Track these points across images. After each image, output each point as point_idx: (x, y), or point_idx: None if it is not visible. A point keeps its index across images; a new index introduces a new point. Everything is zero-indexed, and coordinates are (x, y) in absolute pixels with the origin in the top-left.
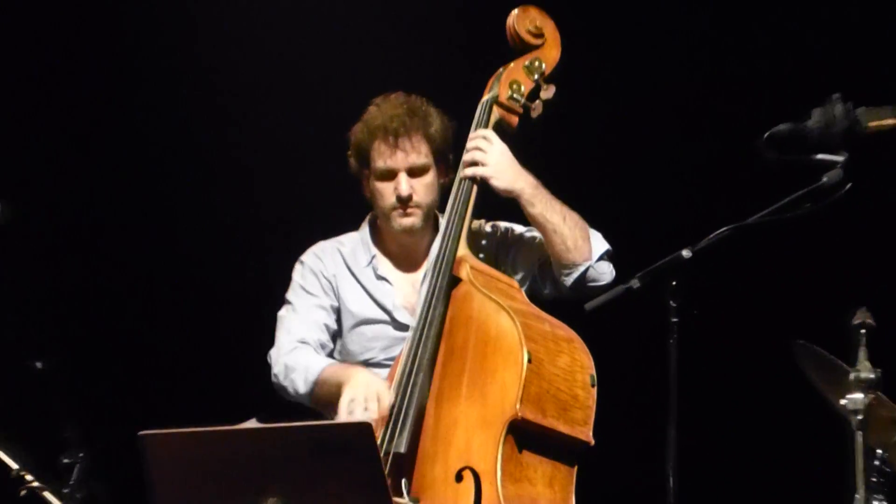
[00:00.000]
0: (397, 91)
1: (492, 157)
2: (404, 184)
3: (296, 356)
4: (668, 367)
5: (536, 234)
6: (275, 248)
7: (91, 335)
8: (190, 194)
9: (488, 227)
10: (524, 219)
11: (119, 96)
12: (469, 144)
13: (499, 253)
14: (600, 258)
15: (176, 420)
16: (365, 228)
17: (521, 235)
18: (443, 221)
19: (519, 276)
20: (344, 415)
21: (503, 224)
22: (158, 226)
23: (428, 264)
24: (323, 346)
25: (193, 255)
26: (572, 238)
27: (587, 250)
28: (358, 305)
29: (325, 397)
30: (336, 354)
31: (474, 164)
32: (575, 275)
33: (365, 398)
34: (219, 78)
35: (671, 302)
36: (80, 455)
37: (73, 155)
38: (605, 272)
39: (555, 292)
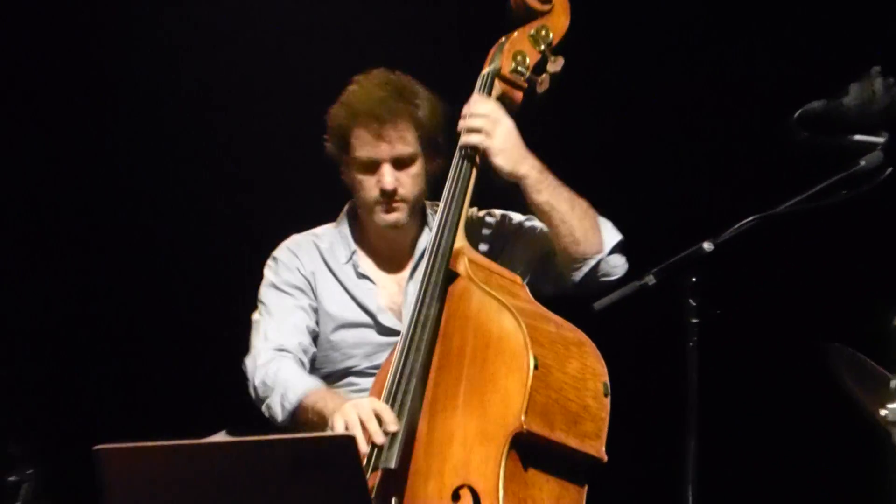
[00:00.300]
0: (381, 67)
1: (499, 130)
2: (388, 176)
3: (275, 371)
4: (687, 374)
5: (537, 223)
6: (244, 242)
7: (39, 339)
8: (148, 189)
9: (483, 217)
10: (520, 208)
11: (87, 91)
12: (468, 110)
13: (494, 245)
14: (612, 250)
15: (136, 433)
16: (343, 220)
17: (519, 225)
18: (434, 211)
19: (518, 270)
20: None
21: (498, 212)
22: (113, 224)
23: (415, 262)
24: (305, 352)
25: (152, 251)
26: (582, 229)
27: (598, 242)
28: (337, 307)
29: (306, 426)
30: (315, 363)
31: (477, 131)
32: (585, 269)
33: (360, 419)
34: (183, 67)
35: (690, 301)
36: (29, 472)
37: (35, 149)
38: (618, 265)
39: (559, 289)
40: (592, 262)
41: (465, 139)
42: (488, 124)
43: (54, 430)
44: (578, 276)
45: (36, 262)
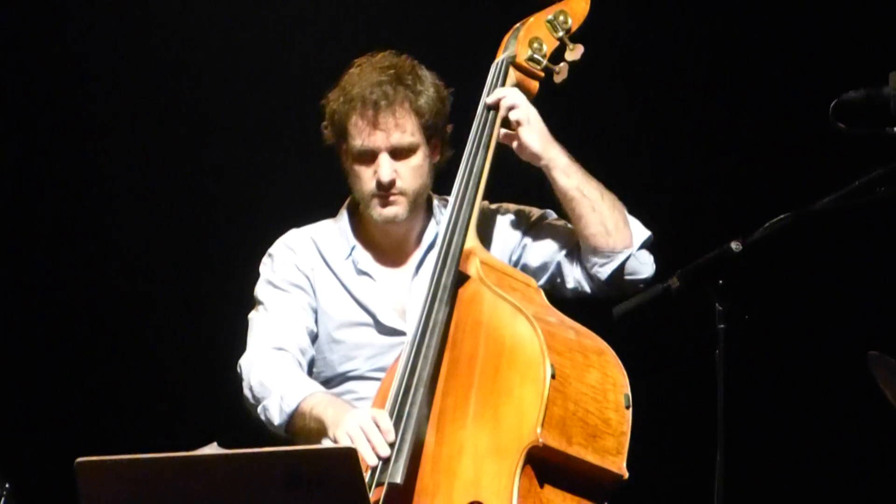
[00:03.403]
0: (387, 49)
1: (530, 109)
2: (385, 167)
3: (272, 373)
4: (715, 384)
5: (558, 219)
6: (236, 243)
7: (16, 346)
8: (135, 187)
9: (495, 210)
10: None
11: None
12: (491, 97)
13: (509, 241)
14: (642, 246)
15: (121, 445)
16: (343, 215)
17: (540, 219)
18: (442, 203)
19: (535, 268)
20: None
21: (513, 206)
22: (92, 225)
23: (420, 256)
24: (303, 352)
25: (134, 253)
26: (612, 219)
27: (628, 235)
28: (336, 306)
29: (303, 432)
30: (313, 366)
31: (510, 107)
32: (613, 265)
33: (364, 430)
34: (178, 57)
35: (718, 305)
36: (5, 487)
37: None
38: (647, 263)
39: (581, 290)
40: (622, 257)
41: (504, 111)
42: (519, 98)
43: (33, 442)
44: (606, 272)
45: (8, 268)
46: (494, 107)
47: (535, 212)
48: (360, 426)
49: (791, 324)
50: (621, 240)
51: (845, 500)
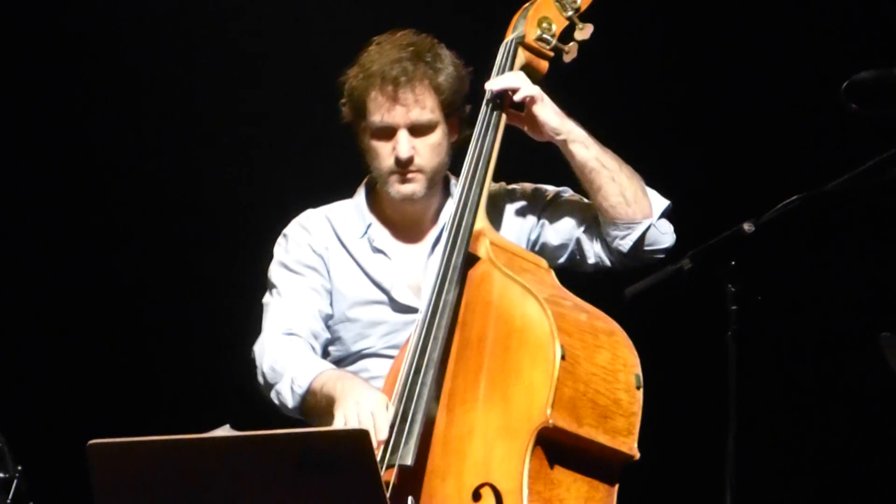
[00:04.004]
0: (405, 28)
1: (538, 88)
2: (404, 144)
3: (283, 357)
4: (727, 365)
5: (575, 195)
6: (247, 226)
7: (30, 331)
8: (145, 168)
9: (513, 190)
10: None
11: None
12: (495, 84)
13: (527, 220)
14: (661, 215)
15: (134, 427)
16: (360, 193)
17: (556, 197)
18: (457, 185)
19: (554, 247)
20: None
21: (529, 185)
22: (105, 210)
23: (436, 234)
24: (316, 336)
25: (147, 235)
26: (632, 189)
27: (647, 205)
28: (351, 285)
29: (316, 411)
30: (329, 346)
31: (515, 89)
32: (634, 236)
33: (358, 418)
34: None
35: (730, 286)
36: (18, 469)
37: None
38: (667, 233)
39: (603, 263)
40: (642, 227)
41: (518, 95)
42: (525, 80)
43: (45, 424)
44: (627, 244)
45: (24, 254)
46: (500, 95)
47: (551, 190)
48: (371, 409)
49: (803, 305)
50: (641, 209)
51: (858, 481)
